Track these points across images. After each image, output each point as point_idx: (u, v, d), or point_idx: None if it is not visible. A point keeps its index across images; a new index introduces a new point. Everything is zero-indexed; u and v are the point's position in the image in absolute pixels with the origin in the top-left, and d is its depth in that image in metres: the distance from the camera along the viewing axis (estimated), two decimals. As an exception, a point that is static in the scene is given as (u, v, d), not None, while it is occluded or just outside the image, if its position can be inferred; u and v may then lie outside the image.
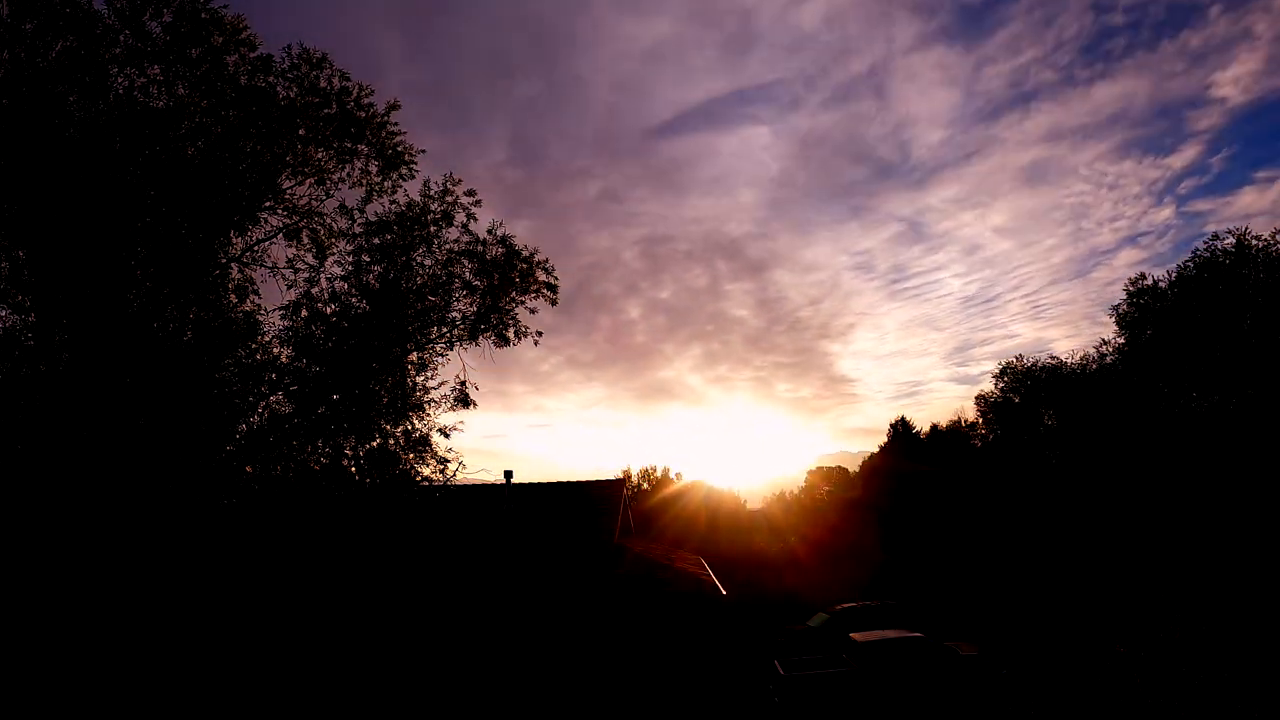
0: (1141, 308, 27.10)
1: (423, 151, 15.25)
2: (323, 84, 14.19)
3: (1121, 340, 28.16)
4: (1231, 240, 25.22)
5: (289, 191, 14.89)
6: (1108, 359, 29.76)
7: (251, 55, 13.80)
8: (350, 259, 15.14)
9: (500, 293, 15.46)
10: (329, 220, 15.28)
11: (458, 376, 15.47)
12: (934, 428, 47.73)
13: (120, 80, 13.12)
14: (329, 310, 14.86)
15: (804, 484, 68.57)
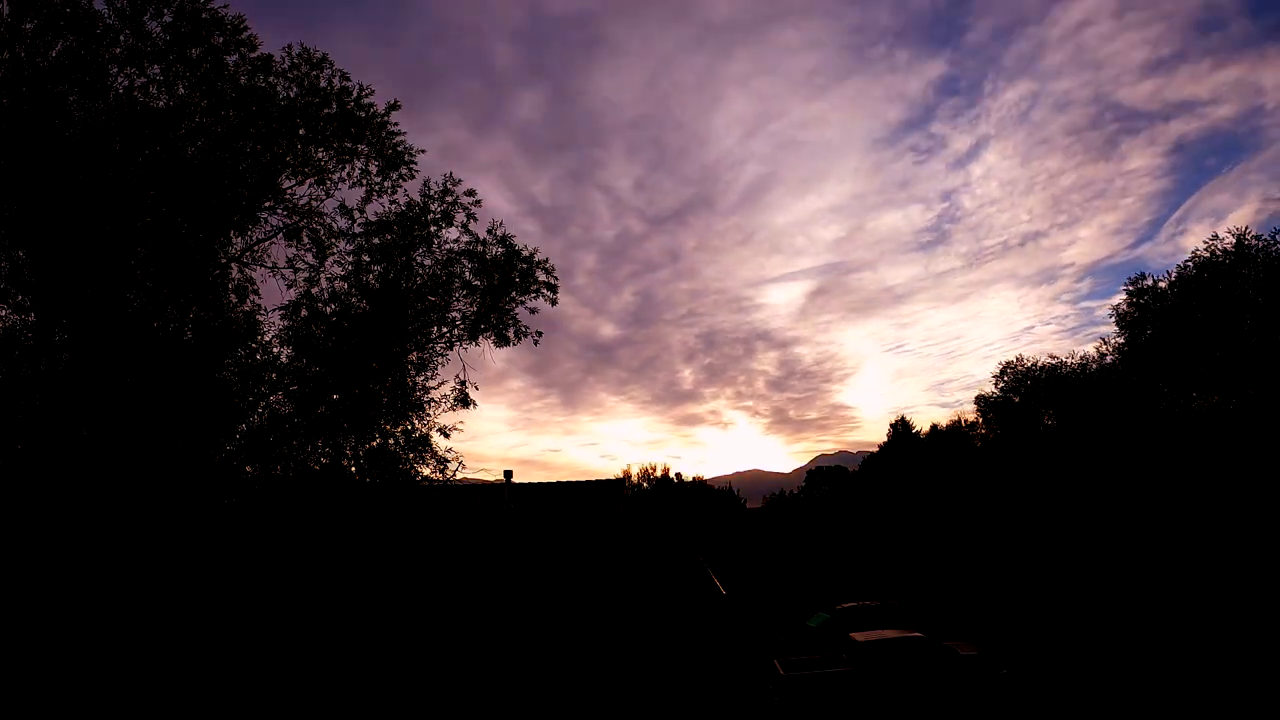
0: (1141, 308, 27.04)
1: (422, 151, 15.24)
2: (323, 84, 14.17)
3: (1121, 340, 28.10)
4: (1231, 240, 25.20)
5: (289, 191, 14.88)
6: (1108, 359, 29.69)
7: (252, 55, 13.79)
8: (350, 259, 15.13)
9: (500, 293, 15.44)
10: (329, 220, 15.26)
11: (458, 376, 15.47)
12: (934, 428, 47.73)
13: (120, 80, 13.12)
14: (329, 310, 14.86)
15: (804, 484, 68.56)
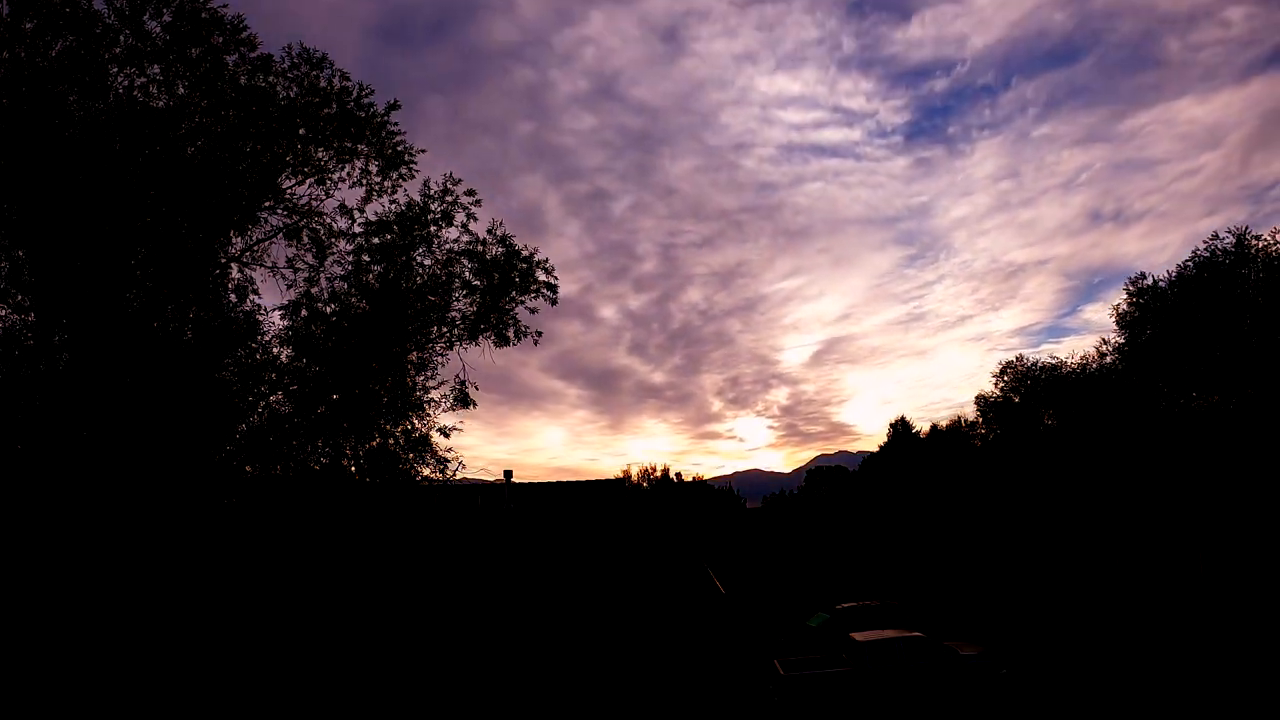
0: (1141, 307, 27.02)
1: (422, 151, 15.22)
2: (323, 84, 14.16)
3: (1121, 340, 28.09)
4: (1231, 240, 25.17)
5: (289, 191, 14.86)
6: (1108, 359, 29.68)
7: (251, 55, 13.78)
8: (350, 259, 15.12)
9: (500, 292, 15.43)
10: (329, 220, 15.24)
11: (458, 376, 15.47)
12: (934, 428, 47.72)
13: (120, 80, 13.11)
14: (329, 310, 14.85)
15: (803, 484, 68.54)
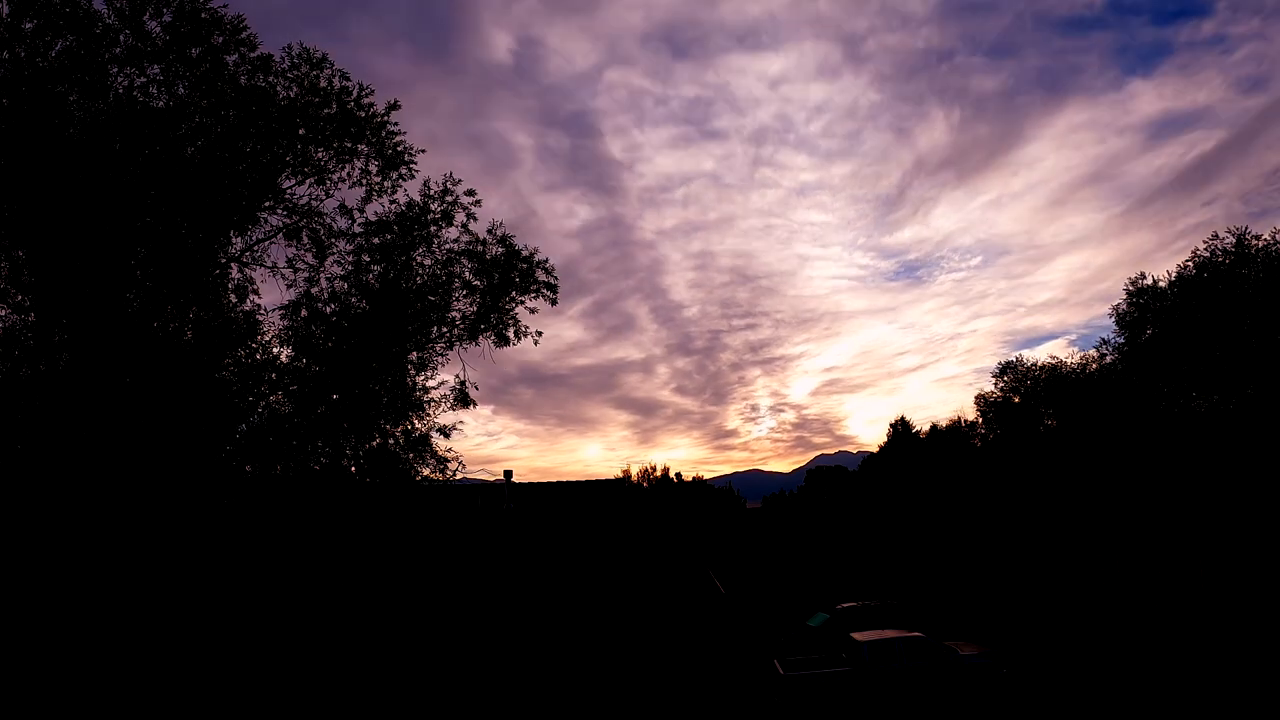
0: (1141, 308, 27.05)
1: (422, 151, 15.24)
2: (323, 84, 14.17)
3: (1121, 340, 28.12)
4: (1231, 240, 25.18)
5: (289, 191, 14.88)
6: (1107, 359, 29.72)
7: (251, 55, 13.79)
8: (350, 259, 15.16)
9: (500, 292, 15.47)
10: (329, 220, 15.27)
11: (458, 376, 15.50)
12: (934, 428, 47.73)
13: (120, 80, 13.13)
14: (329, 310, 14.88)
15: (803, 483, 68.51)
